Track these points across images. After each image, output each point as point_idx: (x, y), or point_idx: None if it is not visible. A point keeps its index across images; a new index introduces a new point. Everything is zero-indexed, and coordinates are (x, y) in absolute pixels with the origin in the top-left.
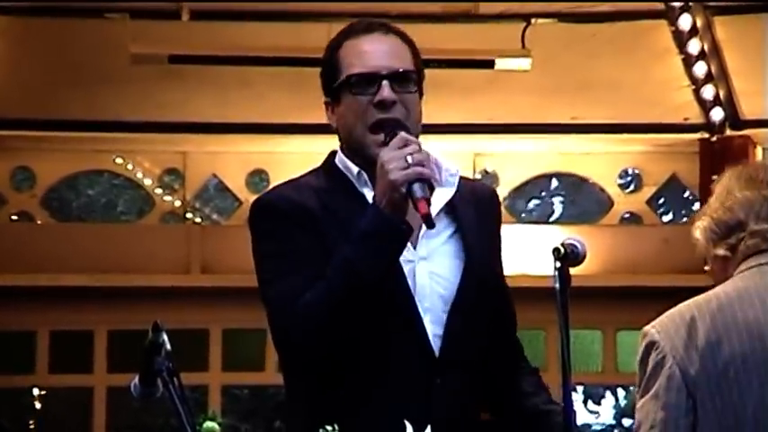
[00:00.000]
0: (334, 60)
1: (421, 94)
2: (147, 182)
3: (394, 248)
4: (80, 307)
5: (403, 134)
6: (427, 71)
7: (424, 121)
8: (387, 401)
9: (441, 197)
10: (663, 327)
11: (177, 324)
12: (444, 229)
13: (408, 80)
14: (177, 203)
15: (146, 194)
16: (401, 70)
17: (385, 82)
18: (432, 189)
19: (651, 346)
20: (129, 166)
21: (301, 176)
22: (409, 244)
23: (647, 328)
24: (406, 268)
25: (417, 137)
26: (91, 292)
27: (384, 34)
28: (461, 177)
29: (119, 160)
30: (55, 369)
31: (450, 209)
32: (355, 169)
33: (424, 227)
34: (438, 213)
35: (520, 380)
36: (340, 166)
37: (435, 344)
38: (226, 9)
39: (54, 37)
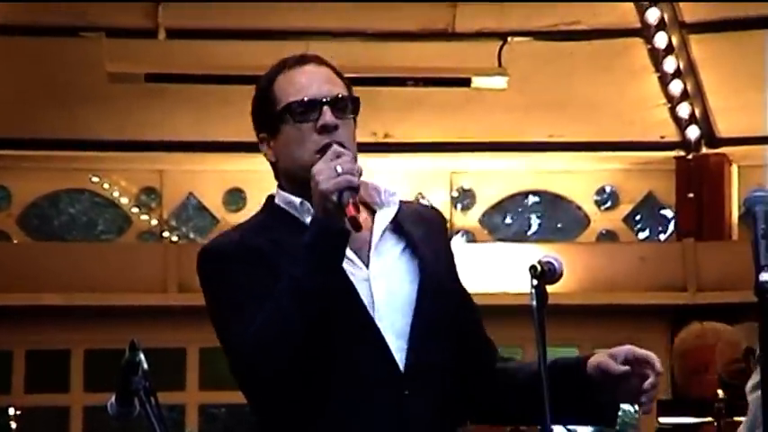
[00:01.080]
0: (269, 94)
1: (355, 122)
2: (124, 200)
3: (335, 253)
4: (56, 326)
5: (335, 147)
6: (404, 89)
7: (401, 139)
8: (357, 421)
9: (385, 216)
10: None
11: (154, 343)
12: (394, 246)
13: (346, 106)
14: (154, 222)
15: (123, 213)
16: (340, 96)
17: (326, 107)
18: (373, 211)
19: None
20: (106, 185)
21: (243, 222)
22: (362, 263)
23: None
24: (362, 288)
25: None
26: (67, 311)
27: (317, 65)
28: (405, 201)
29: (95, 179)
30: (31, 388)
31: (395, 227)
32: (297, 200)
33: (373, 245)
34: (384, 232)
35: (498, 370)
36: (281, 203)
37: (400, 358)
38: (202, 28)
39: (31, 56)
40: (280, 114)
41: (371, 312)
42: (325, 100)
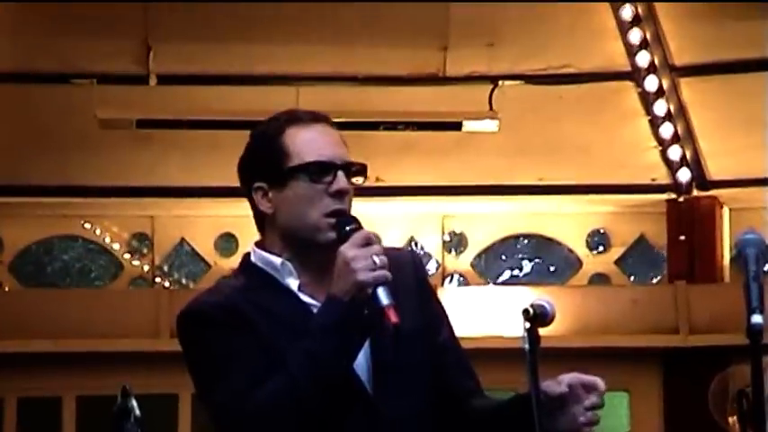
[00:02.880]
0: (279, 145)
1: None
2: (116, 246)
3: (361, 341)
4: (48, 373)
5: (366, 231)
6: (395, 134)
7: (393, 183)
8: None
9: None
10: None
11: (146, 389)
12: None
13: (356, 172)
14: (146, 268)
15: (114, 259)
16: (352, 162)
17: (340, 172)
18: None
19: None
20: (98, 231)
21: (220, 281)
22: None
23: None
24: None
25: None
26: (58, 357)
27: (329, 126)
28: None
29: (87, 225)
30: None
31: None
32: (278, 261)
33: None
34: None
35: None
36: (259, 263)
37: (383, 410)
38: (193, 73)
39: (21, 103)
40: (292, 170)
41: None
42: (340, 164)
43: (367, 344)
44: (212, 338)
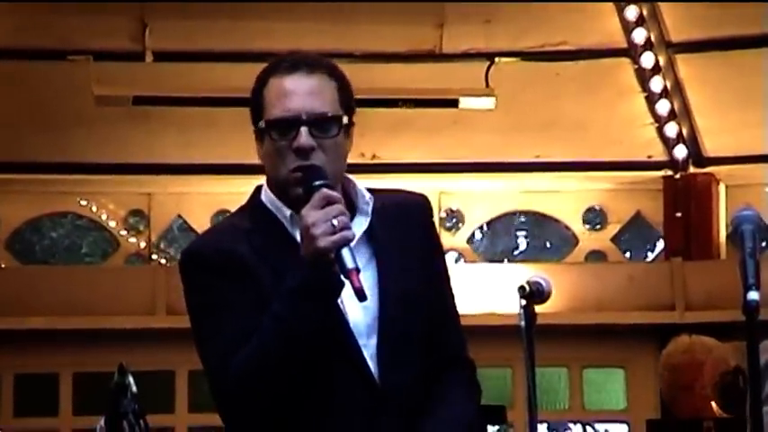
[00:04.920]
0: (259, 98)
1: (350, 128)
2: (112, 224)
3: (329, 303)
4: (45, 350)
5: (324, 191)
6: (392, 110)
7: (389, 160)
8: None
9: (357, 227)
10: None
11: (143, 366)
12: (362, 258)
13: (329, 124)
14: (142, 245)
15: (110, 236)
16: (320, 114)
17: (303, 128)
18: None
19: None
20: (94, 208)
21: (229, 217)
22: None
23: None
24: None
25: (340, 179)
26: (56, 334)
27: (307, 74)
28: (388, 192)
29: (83, 202)
30: (20, 412)
31: (368, 234)
32: (287, 212)
33: None
34: (356, 244)
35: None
36: (268, 204)
37: (376, 375)
38: (189, 50)
39: (17, 80)
40: (263, 127)
41: (350, 332)
42: (304, 119)
43: (375, 304)
44: (209, 285)
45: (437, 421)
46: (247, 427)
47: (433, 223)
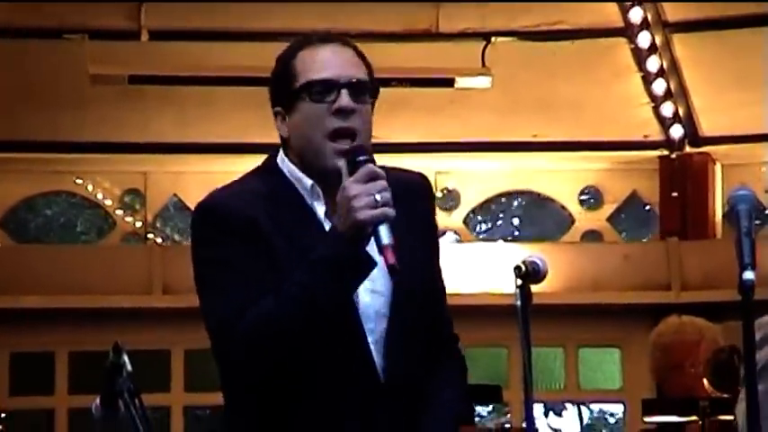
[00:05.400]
0: (290, 68)
1: (373, 105)
2: (108, 203)
3: (357, 280)
4: (41, 329)
5: (371, 166)
6: (388, 90)
7: (385, 140)
8: (329, 422)
9: None
10: None
11: (139, 345)
12: (373, 242)
13: (365, 91)
14: (138, 224)
15: (106, 215)
16: (360, 80)
17: (344, 90)
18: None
19: None
20: (90, 188)
21: (244, 178)
22: None
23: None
24: None
25: (370, 149)
26: (51, 313)
27: (341, 45)
28: (393, 169)
29: (79, 181)
30: (16, 391)
31: None
32: (308, 182)
33: None
34: None
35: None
36: (285, 171)
37: (379, 363)
38: (185, 29)
39: (12, 58)
40: (298, 91)
41: (359, 314)
42: (344, 82)
43: (388, 291)
44: (221, 245)
45: (438, 421)
46: (247, 389)
47: (434, 201)
